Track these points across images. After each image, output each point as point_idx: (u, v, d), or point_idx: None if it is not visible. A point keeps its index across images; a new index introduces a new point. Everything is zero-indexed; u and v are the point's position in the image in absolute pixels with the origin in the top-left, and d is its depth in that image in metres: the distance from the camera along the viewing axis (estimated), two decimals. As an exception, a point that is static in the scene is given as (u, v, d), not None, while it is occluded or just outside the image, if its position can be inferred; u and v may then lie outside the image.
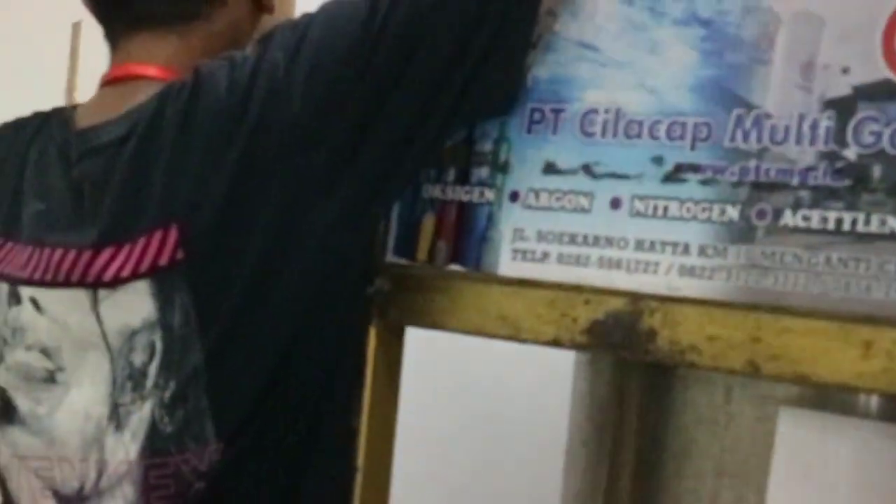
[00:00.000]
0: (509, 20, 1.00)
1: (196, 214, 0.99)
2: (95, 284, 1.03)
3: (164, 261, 1.00)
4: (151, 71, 1.08)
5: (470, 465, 1.97)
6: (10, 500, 1.15)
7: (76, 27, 2.61)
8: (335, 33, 0.99)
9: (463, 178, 1.07)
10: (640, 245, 0.95)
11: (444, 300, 1.07)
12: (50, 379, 1.07)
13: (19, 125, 1.18)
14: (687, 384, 1.02)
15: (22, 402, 1.09)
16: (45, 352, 1.07)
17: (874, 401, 0.92)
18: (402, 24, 0.98)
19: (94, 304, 1.03)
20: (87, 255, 1.02)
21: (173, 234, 0.99)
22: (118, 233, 1.02)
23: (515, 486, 1.78)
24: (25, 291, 1.07)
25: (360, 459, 1.10)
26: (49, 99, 2.73)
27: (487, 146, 1.04)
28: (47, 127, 1.13)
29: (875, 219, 0.84)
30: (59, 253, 1.05)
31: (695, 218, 0.92)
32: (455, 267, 1.07)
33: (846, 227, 0.85)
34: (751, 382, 0.96)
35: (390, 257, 1.11)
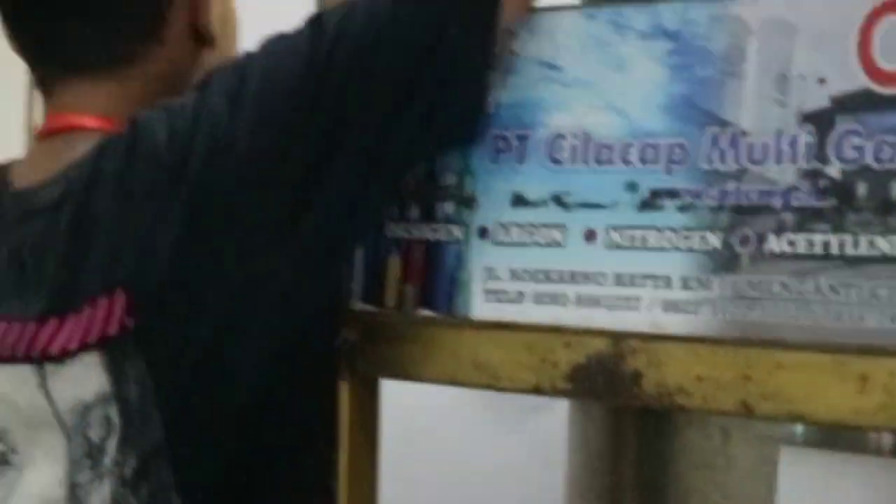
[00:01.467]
0: (465, 41, 1.00)
1: (143, 278, 1.00)
2: (42, 359, 1.03)
3: (112, 330, 1.00)
4: (88, 121, 1.09)
5: None
6: None
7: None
8: (277, 74, 1.00)
9: (428, 216, 1.07)
10: (619, 280, 0.95)
11: (415, 349, 1.07)
12: (3, 461, 1.07)
13: None
14: (682, 426, 1.02)
15: None
16: None
17: (886, 436, 0.93)
18: (349, 58, 0.99)
19: (43, 379, 1.03)
20: (31, 328, 1.03)
21: (120, 301, 1.00)
22: (62, 302, 1.02)
23: None
24: None
25: None
26: (5, 142, 2.74)
27: (451, 179, 1.05)
28: None
29: (863, 240, 0.84)
30: (2, 326, 1.05)
31: (675, 248, 0.93)
32: (425, 312, 1.07)
33: (834, 250, 0.86)
34: (749, 422, 0.95)
35: (356, 305, 1.11)
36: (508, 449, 1.83)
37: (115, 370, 1.01)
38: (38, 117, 2.85)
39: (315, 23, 1.01)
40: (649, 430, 1.06)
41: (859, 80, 0.85)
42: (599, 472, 1.13)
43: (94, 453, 1.02)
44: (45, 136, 1.12)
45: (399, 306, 1.09)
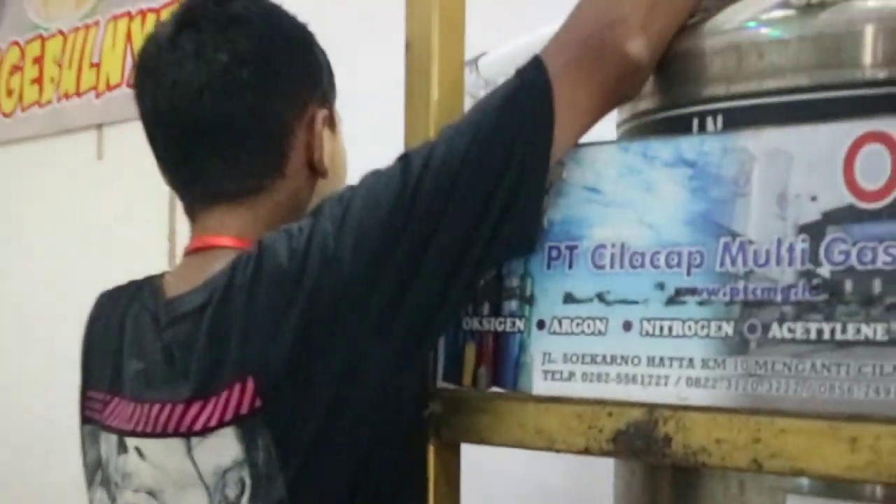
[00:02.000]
0: (526, 174, 0.99)
1: (268, 367, 1.00)
2: (188, 434, 1.03)
3: (245, 409, 1.01)
4: (225, 241, 1.10)
5: None
6: None
7: (173, 197, 2.65)
8: (373, 203, 0.99)
9: (496, 311, 1.06)
10: (651, 361, 0.95)
11: (488, 419, 1.06)
12: None
13: (116, 293, 1.20)
14: (706, 479, 1.00)
15: None
16: (151, 493, 1.08)
17: (878, 487, 0.90)
18: (432, 191, 0.98)
19: (189, 450, 1.04)
20: (179, 409, 1.03)
21: (250, 386, 1.00)
22: (204, 388, 1.03)
23: None
24: (131, 442, 1.08)
25: None
26: (151, 250, 2.72)
27: (515, 282, 1.04)
28: (140, 295, 1.15)
29: (851, 328, 0.84)
30: (156, 407, 1.06)
31: (696, 335, 0.92)
32: (496, 389, 1.06)
33: (826, 336, 0.85)
34: (761, 475, 0.93)
35: (440, 383, 1.10)
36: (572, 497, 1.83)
37: (247, 441, 1.01)
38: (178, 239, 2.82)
39: (404, 159, 1.01)
40: (681, 480, 1.04)
41: (845, 198, 0.86)
42: None
43: None
44: (191, 253, 1.13)
45: (474, 384, 1.08)
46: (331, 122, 1.17)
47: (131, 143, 2.89)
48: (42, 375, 3.11)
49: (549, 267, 1.03)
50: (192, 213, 1.16)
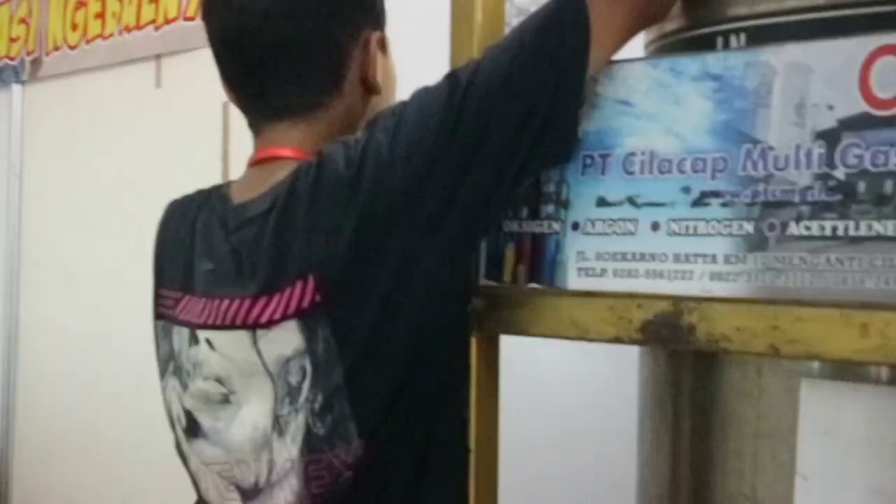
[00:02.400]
0: (563, 88, 0.98)
1: (328, 266, 1.00)
2: (255, 326, 1.03)
3: (306, 304, 1.00)
4: (287, 152, 1.09)
5: (563, 436, 1.95)
6: (201, 497, 1.16)
7: (226, 106, 2.63)
8: (424, 115, 0.99)
9: (534, 215, 1.06)
10: (677, 258, 0.94)
11: (526, 312, 1.05)
12: (225, 401, 1.08)
13: (185, 201, 1.19)
14: (726, 365, 1.01)
15: (204, 420, 1.10)
16: (220, 380, 1.08)
17: (883, 370, 0.91)
18: (478, 103, 0.97)
19: (254, 341, 1.04)
20: (247, 304, 1.03)
21: (311, 283, 1.00)
22: (269, 284, 1.02)
23: (601, 450, 1.78)
24: (202, 334, 1.08)
25: (472, 443, 1.09)
26: (206, 169, 2.72)
27: (552, 188, 1.04)
28: (208, 202, 1.14)
29: (863, 225, 0.84)
30: (226, 303, 1.05)
31: (719, 234, 0.92)
32: (533, 285, 1.06)
33: (840, 232, 0.85)
34: (777, 360, 0.94)
35: (482, 281, 1.10)
36: (598, 385, 1.87)
37: (308, 333, 1.01)
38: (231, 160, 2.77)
39: (451, 77, 1.00)
40: (701, 368, 1.04)
41: (860, 106, 0.85)
42: (664, 400, 1.12)
43: (292, 393, 1.03)
44: (255, 164, 1.12)
45: (514, 281, 1.07)
46: (383, 44, 1.14)
47: (187, 73, 2.91)
48: (109, 281, 3.15)
49: (583, 174, 1.02)
50: (255, 127, 1.14)
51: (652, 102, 0.98)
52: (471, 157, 0.98)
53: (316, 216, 1.00)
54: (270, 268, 1.02)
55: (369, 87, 1.13)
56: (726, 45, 0.98)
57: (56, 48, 3.38)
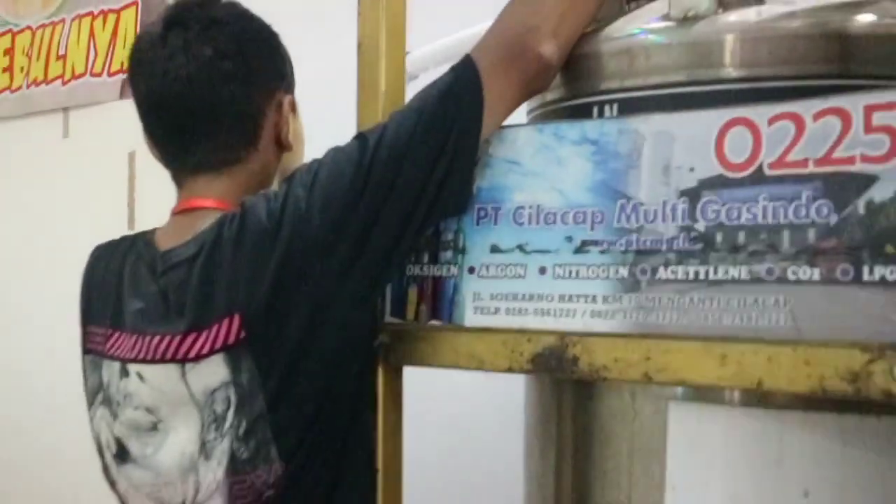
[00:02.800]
0: (460, 151, 1.00)
1: (251, 305, 1.00)
2: (184, 360, 1.02)
3: (231, 339, 1.00)
4: (209, 203, 1.08)
5: (457, 458, 1.96)
6: None
7: (132, 157, 2.54)
8: (337, 172, 0.99)
9: (434, 260, 1.06)
10: (562, 298, 0.96)
11: (428, 346, 1.06)
12: (153, 428, 1.06)
13: (111, 246, 1.17)
14: (604, 390, 1.03)
15: (133, 447, 1.08)
16: (149, 409, 1.06)
17: (737, 393, 0.94)
18: (385, 162, 0.98)
19: (183, 374, 1.03)
20: (177, 340, 1.02)
21: (237, 320, 1.00)
22: (198, 322, 1.01)
23: (491, 469, 1.76)
24: (132, 368, 1.06)
25: (379, 463, 1.09)
26: (113, 217, 2.62)
27: (450, 236, 1.04)
28: (135, 247, 1.13)
29: (721, 270, 0.87)
30: (156, 339, 1.04)
31: (598, 277, 0.94)
32: (434, 322, 1.06)
33: (702, 276, 0.88)
34: (649, 386, 0.97)
35: (388, 318, 1.09)
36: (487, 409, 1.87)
37: (233, 366, 1.01)
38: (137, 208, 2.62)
39: (360, 138, 1.01)
40: (582, 393, 1.06)
41: (716, 169, 0.88)
42: (549, 422, 1.12)
43: (218, 420, 1.02)
44: (179, 213, 1.11)
45: (417, 319, 1.07)
46: (293, 106, 1.15)
47: (95, 125, 2.81)
48: (19, 325, 3.00)
49: (478, 224, 1.03)
50: (178, 179, 1.13)
51: (538, 162, 0.99)
52: (379, 209, 0.99)
53: (240, 262, 1.00)
54: (197, 307, 1.02)
55: (282, 145, 1.14)
56: (601, 114, 1.00)
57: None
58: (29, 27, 2.99)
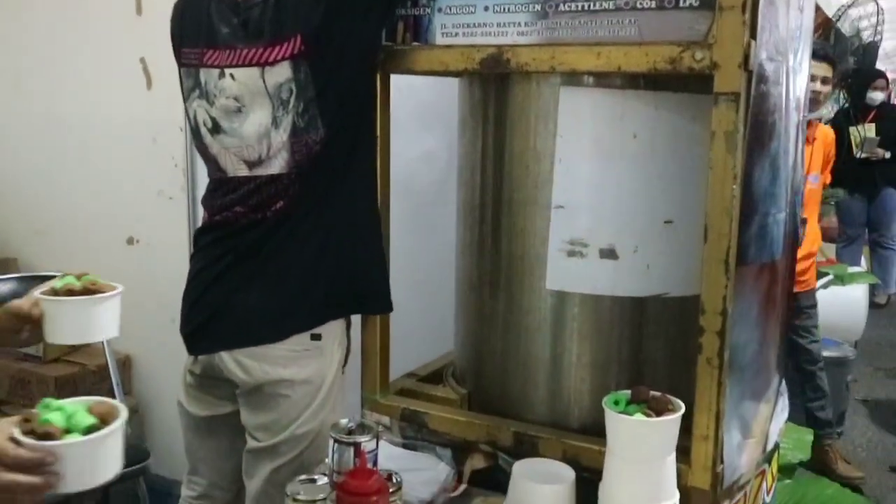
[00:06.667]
0: None
1: (308, 27, 1.39)
2: (263, 65, 1.41)
3: (295, 51, 1.40)
4: None
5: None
6: (219, 170, 1.52)
7: None
8: None
9: (415, 4, 1.50)
10: (499, 24, 1.42)
11: (413, 55, 1.50)
12: (238, 111, 1.46)
13: None
14: (517, 82, 1.46)
15: (223, 123, 1.48)
16: (236, 98, 1.45)
17: (620, 78, 1.44)
18: None
19: (262, 73, 1.42)
20: (259, 51, 1.42)
21: (299, 38, 1.40)
22: (273, 40, 1.40)
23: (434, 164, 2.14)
24: (227, 70, 1.45)
25: (378, 132, 1.55)
26: None
27: None
28: None
29: (597, 3, 1.36)
30: (245, 50, 1.43)
31: (521, 11, 1.39)
32: (415, 43, 1.50)
33: (586, 8, 1.35)
34: (550, 76, 1.43)
35: (385, 42, 1.52)
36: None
37: (295, 68, 1.41)
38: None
39: None
40: (501, 88, 1.48)
41: None
42: (476, 110, 1.55)
43: (283, 104, 1.42)
44: None
45: (403, 42, 1.51)
46: None
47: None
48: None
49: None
50: None
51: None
52: None
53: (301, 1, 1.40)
54: (273, 30, 1.42)
55: None
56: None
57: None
58: None
